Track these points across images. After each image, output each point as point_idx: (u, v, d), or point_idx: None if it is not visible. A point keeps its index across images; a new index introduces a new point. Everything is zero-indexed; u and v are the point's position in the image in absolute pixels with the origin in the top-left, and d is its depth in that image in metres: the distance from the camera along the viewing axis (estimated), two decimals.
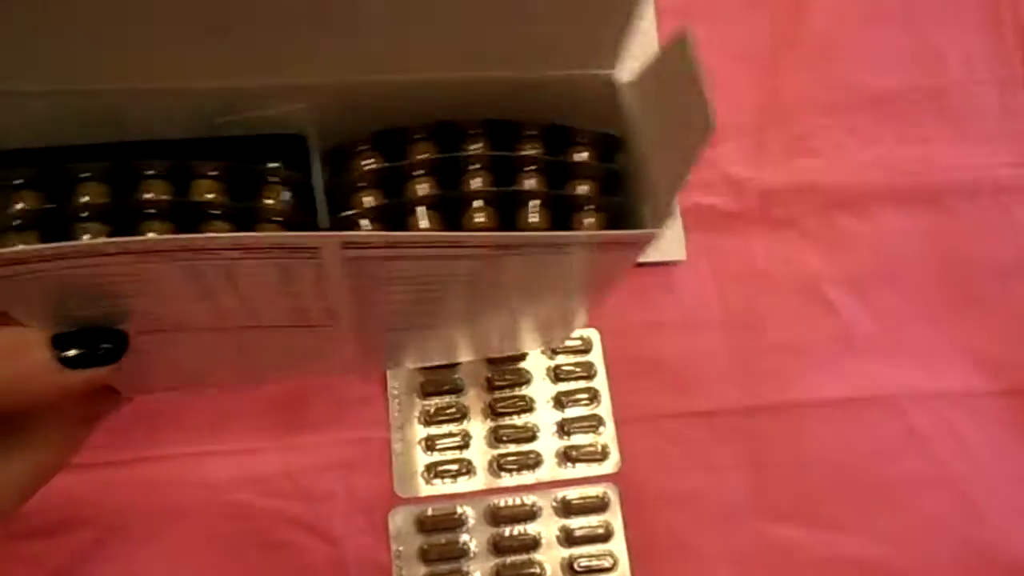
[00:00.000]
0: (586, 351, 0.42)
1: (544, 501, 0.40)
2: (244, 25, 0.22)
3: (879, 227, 0.45)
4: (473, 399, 0.41)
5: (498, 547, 0.39)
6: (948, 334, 0.43)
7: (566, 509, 0.40)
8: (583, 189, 0.26)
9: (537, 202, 0.25)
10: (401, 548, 0.39)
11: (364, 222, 0.25)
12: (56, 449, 0.27)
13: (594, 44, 0.25)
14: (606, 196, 0.26)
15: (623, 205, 0.26)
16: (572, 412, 0.41)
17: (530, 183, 0.26)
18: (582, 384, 0.42)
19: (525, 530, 0.39)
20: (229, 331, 0.27)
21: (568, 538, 0.39)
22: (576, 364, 0.42)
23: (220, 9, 0.21)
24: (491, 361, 0.42)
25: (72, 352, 0.24)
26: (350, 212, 0.25)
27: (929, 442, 0.41)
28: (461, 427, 0.41)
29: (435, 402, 0.41)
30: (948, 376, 0.42)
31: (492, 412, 0.41)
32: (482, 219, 0.25)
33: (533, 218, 0.25)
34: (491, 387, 0.41)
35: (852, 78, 0.47)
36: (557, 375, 0.42)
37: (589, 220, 0.26)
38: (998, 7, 0.49)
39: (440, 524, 0.39)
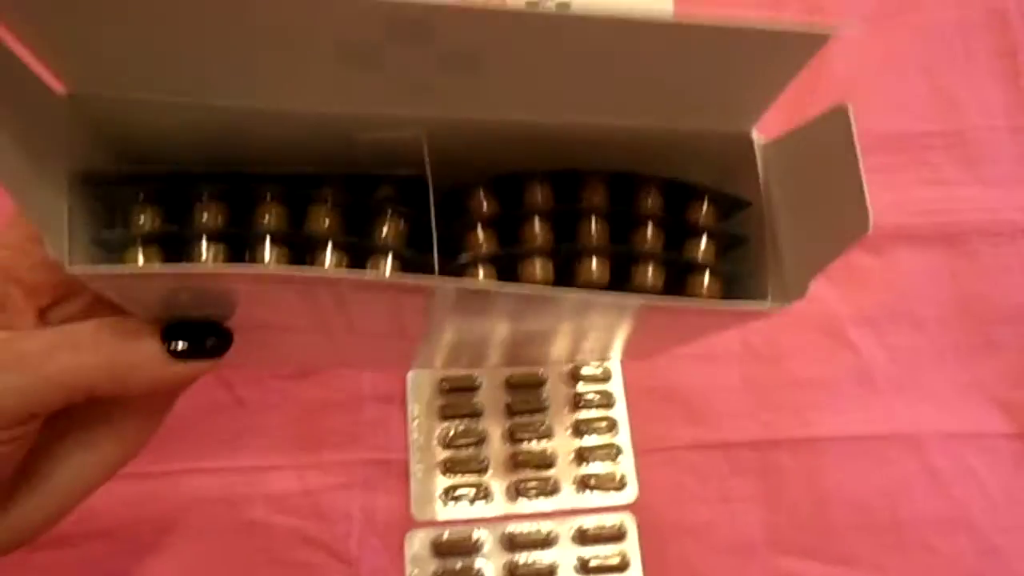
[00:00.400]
0: (606, 380, 0.43)
1: (561, 528, 0.40)
2: (372, 55, 0.22)
3: (897, 266, 0.45)
4: (492, 424, 0.42)
5: (513, 574, 0.39)
6: (965, 375, 0.43)
7: (582, 538, 0.39)
8: (701, 250, 0.26)
9: (651, 265, 0.25)
10: (416, 571, 0.38)
11: (478, 267, 0.25)
12: (132, 442, 0.28)
13: (740, 102, 0.24)
14: (724, 259, 0.26)
15: (740, 270, 0.26)
16: (591, 440, 0.41)
17: (647, 238, 0.26)
18: (601, 413, 0.42)
19: (541, 559, 0.39)
20: (329, 335, 0.28)
21: (584, 567, 0.39)
22: (596, 392, 0.42)
23: (349, 37, 0.21)
24: (510, 386, 0.42)
25: (181, 345, 0.24)
26: (464, 257, 0.25)
27: (946, 481, 0.41)
28: (480, 451, 0.41)
29: (454, 425, 0.41)
30: (965, 416, 0.43)
31: (511, 437, 0.41)
32: (595, 273, 0.25)
33: (647, 278, 0.25)
34: (510, 412, 0.42)
35: (871, 122, 0.48)
36: (576, 403, 0.42)
37: (705, 282, 0.25)
38: (1015, 58, 0.50)
39: (456, 548, 0.39)
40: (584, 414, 0.42)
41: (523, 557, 0.39)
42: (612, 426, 0.42)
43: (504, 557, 0.39)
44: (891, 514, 0.41)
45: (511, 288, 0.23)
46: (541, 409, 0.42)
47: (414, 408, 0.41)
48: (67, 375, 0.23)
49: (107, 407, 0.27)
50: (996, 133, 0.48)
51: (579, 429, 0.42)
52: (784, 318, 0.44)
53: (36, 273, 0.25)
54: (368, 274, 0.23)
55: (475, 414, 0.42)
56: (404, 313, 0.25)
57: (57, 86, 0.23)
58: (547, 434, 0.41)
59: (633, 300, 0.24)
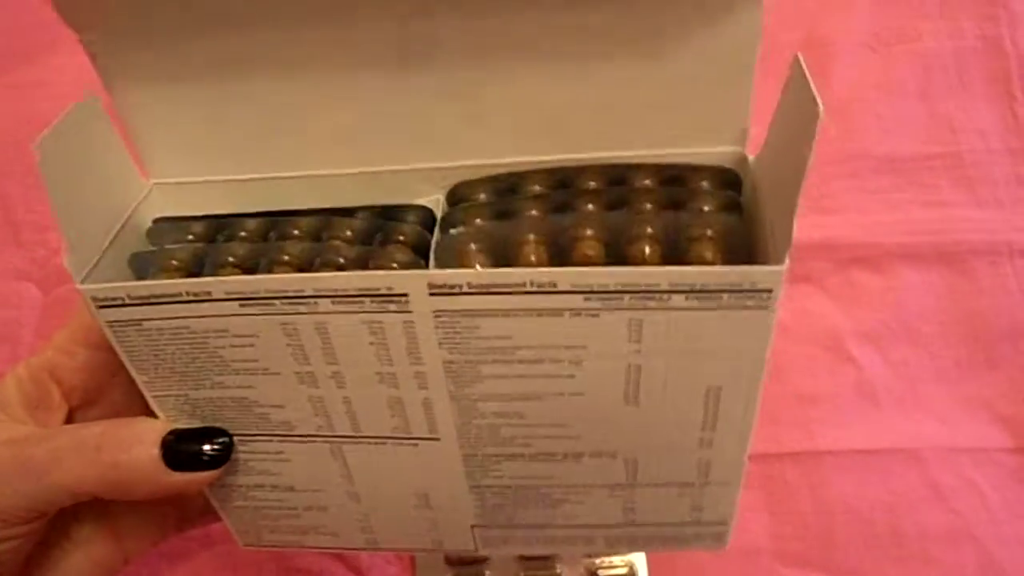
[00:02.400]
0: None
1: None
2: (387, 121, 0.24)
3: (898, 284, 0.47)
4: None
5: None
6: (966, 391, 0.44)
7: None
8: (700, 216, 0.23)
9: (647, 229, 0.23)
10: None
11: (470, 246, 0.24)
12: (129, 545, 0.29)
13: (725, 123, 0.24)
14: (724, 230, 0.23)
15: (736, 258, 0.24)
16: None
17: (644, 214, 0.24)
18: None
19: (551, 564, 0.40)
20: (333, 445, 0.27)
21: None
22: None
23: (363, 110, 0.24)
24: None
25: (179, 453, 0.25)
26: (457, 231, 0.25)
27: (948, 495, 0.42)
28: None
29: None
30: (967, 432, 0.43)
31: None
32: (591, 252, 0.23)
33: (644, 247, 0.22)
34: None
35: (870, 144, 0.50)
36: None
37: (706, 251, 0.23)
38: (1009, 83, 0.51)
39: (468, 558, 0.39)
40: None
41: (534, 564, 0.39)
42: None
43: (515, 566, 0.40)
44: (893, 527, 0.41)
45: (494, 274, 0.21)
46: None
47: None
48: (70, 480, 0.24)
49: (113, 508, 0.28)
50: (993, 156, 0.50)
51: None
52: (787, 333, 0.45)
53: (76, 375, 0.27)
54: (333, 277, 0.22)
55: None
56: (393, 352, 0.23)
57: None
58: None
59: (618, 274, 0.21)
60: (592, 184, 0.25)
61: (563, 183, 0.25)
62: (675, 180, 0.25)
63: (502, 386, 0.24)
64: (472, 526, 0.29)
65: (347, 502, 0.29)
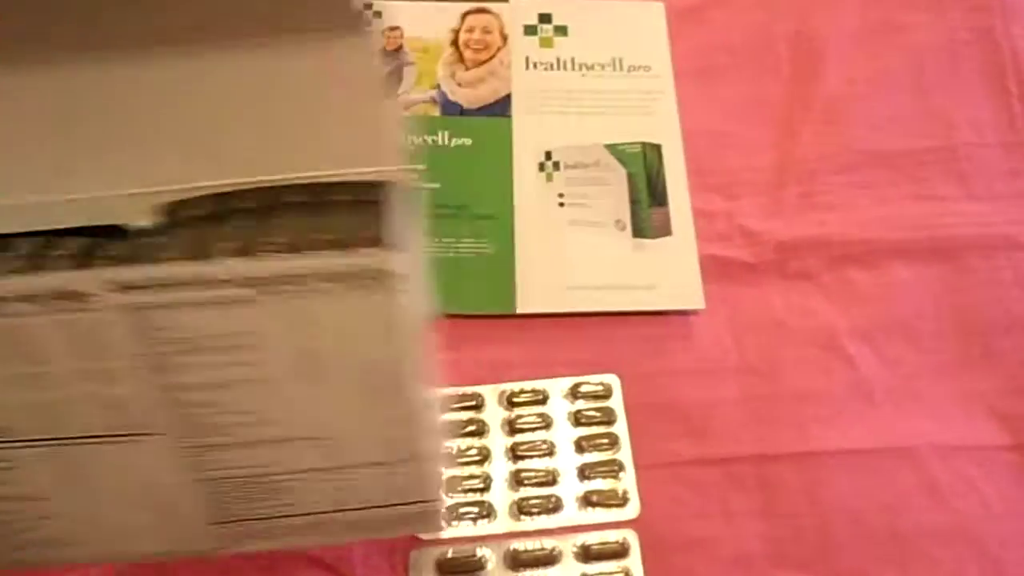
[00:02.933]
0: (606, 396, 0.43)
1: (564, 546, 0.40)
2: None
3: (892, 280, 0.46)
4: (495, 441, 0.42)
5: None
6: (963, 387, 0.44)
7: (586, 554, 0.40)
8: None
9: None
10: None
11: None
12: None
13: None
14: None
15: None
16: (592, 457, 0.42)
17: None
18: (602, 429, 0.42)
19: (545, 575, 0.39)
20: (53, 449, 0.26)
21: None
22: (596, 410, 0.43)
23: None
24: (512, 404, 0.43)
25: None
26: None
27: (946, 494, 0.41)
28: (483, 469, 0.41)
29: (457, 443, 0.42)
30: (964, 429, 0.43)
31: (514, 455, 0.42)
32: (261, 252, 0.23)
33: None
34: (512, 430, 0.42)
35: (864, 139, 0.49)
36: (578, 419, 0.42)
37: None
38: (1003, 74, 0.51)
39: (460, 567, 0.39)
40: (585, 431, 0.42)
41: (527, 574, 0.39)
42: (613, 443, 0.42)
43: (508, 575, 0.39)
44: (891, 527, 0.41)
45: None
46: (543, 427, 0.42)
47: None
48: None
49: None
50: (986, 149, 0.49)
51: (581, 446, 0.42)
52: (783, 332, 0.45)
53: None
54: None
55: (478, 432, 0.42)
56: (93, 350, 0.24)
57: None
58: (550, 451, 0.42)
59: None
60: (249, 203, 0.25)
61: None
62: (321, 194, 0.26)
63: (200, 376, 0.25)
64: (208, 523, 0.29)
65: (78, 509, 0.28)
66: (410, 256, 0.24)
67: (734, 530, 0.41)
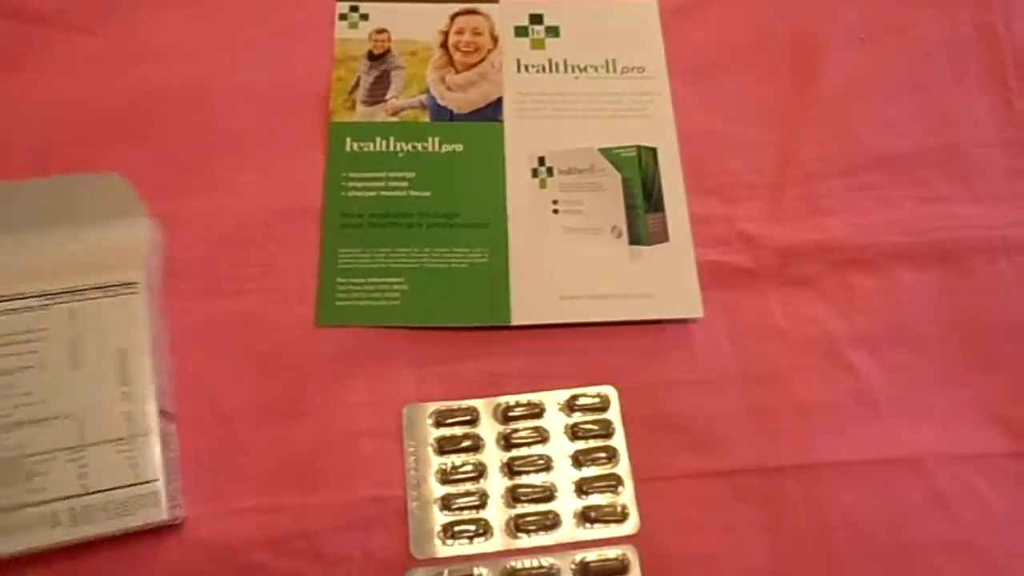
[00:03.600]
0: (603, 408, 0.42)
1: (563, 563, 0.39)
2: None
3: (894, 286, 0.45)
4: (490, 457, 0.41)
5: None
6: (967, 395, 0.43)
7: (584, 571, 0.39)
8: None
9: None
10: None
11: None
12: None
13: None
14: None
15: None
16: (590, 471, 0.41)
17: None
18: (600, 443, 0.41)
19: None
20: None
21: None
22: (594, 422, 0.42)
23: None
24: (508, 417, 0.42)
25: None
26: None
27: (951, 504, 0.41)
28: (478, 486, 0.40)
29: (452, 460, 0.41)
30: (969, 437, 0.42)
31: (509, 471, 0.41)
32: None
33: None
34: (508, 445, 0.41)
35: (864, 140, 0.48)
36: (575, 433, 0.42)
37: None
38: (1004, 73, 0.50)
39: None
40: (583, 444, 0.41)
41: None
42: (612, 456, 0.41)
43: None
44: (896, 538, 0.40)
45: None
46: (539, 441, 0.41)
47: (410, 444, 0.41)
48: None
49: None
50: (988, 149, 0.48)
51: (578, 460, 0.41)
52: (784, 340, 0.44)
53: None
54: None
55: (473, 448, 0.41)
56: None
57: None
58: (547, 466, 0.41)
59: None
60: None
61: None
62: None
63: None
64: None
65: None
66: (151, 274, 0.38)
67: (736, 544, 0.40)
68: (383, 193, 0.46)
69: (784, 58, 0.50)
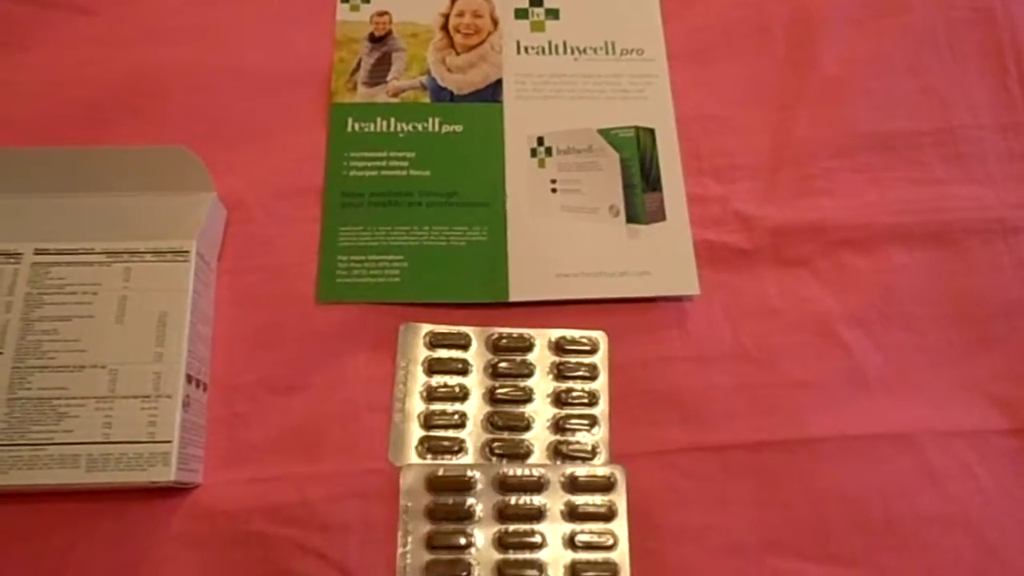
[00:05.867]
0: (592, 352, 0.43)
1: (552, 475, 0.40)
2: None
3: (888, 266, 0.46)
4: (476, 382, 0.42)
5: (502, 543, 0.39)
6: (960, 372, 0.44)
7: (573, 484, 0.40)
8: None
9: None
10: (410, 504, 0.39)
11: None
12: None
13: None
14: None
15: None
16: (569, 411, 0.42)
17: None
18: (583, 385, 0.43)
19: (532, 500, 0.40)
20: None
21: (572, 513, 0.40)
22: (579, 364, 0.43)
23: None
24: (498, 348, 0.43)
25: None
26: None
27: (943, 479, 0.41)
28: (459, 407, 0.42)
29: (439, 380, 0.42)
30: (961, 414, 0.43)
31: (492, 398, 0.42)
32: None
33: None
34: (495, 374, 0.42)
35: (860, 121, 0.49)
36: (560, 372, 0.43)
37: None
38: (1002, 55, 0.50)
39: (451, 484, 0.40)
40: (566, 384, 0.43)
41: (514, 498, 0.40)
42: (592, 398, 0.42)
43: (496, 496, 0.40)
44: (888, 513, 0.41)
45: None
46: (525, 374, 0.43)
47: (402, 360, 0.42)
48: None
49: None
50: (984, 131, 0.49)
51: (559, 399, 0.42)
52: (778, 319, 0.44)
53: None
54: None
55: (461, 372, 0.43)
56: None
57: None
58: (527, 398, 0.42)
59: None
60: None
61: None
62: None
63: (53, 311, 0.38)
64: None
65: None
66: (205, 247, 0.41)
67: (728, 518, 0.40)
68: (384, 172, 0.46)
69: (781, 40, 0.51)
